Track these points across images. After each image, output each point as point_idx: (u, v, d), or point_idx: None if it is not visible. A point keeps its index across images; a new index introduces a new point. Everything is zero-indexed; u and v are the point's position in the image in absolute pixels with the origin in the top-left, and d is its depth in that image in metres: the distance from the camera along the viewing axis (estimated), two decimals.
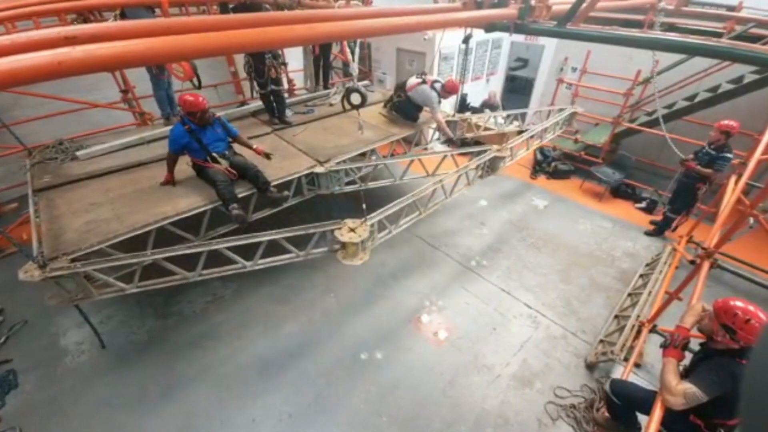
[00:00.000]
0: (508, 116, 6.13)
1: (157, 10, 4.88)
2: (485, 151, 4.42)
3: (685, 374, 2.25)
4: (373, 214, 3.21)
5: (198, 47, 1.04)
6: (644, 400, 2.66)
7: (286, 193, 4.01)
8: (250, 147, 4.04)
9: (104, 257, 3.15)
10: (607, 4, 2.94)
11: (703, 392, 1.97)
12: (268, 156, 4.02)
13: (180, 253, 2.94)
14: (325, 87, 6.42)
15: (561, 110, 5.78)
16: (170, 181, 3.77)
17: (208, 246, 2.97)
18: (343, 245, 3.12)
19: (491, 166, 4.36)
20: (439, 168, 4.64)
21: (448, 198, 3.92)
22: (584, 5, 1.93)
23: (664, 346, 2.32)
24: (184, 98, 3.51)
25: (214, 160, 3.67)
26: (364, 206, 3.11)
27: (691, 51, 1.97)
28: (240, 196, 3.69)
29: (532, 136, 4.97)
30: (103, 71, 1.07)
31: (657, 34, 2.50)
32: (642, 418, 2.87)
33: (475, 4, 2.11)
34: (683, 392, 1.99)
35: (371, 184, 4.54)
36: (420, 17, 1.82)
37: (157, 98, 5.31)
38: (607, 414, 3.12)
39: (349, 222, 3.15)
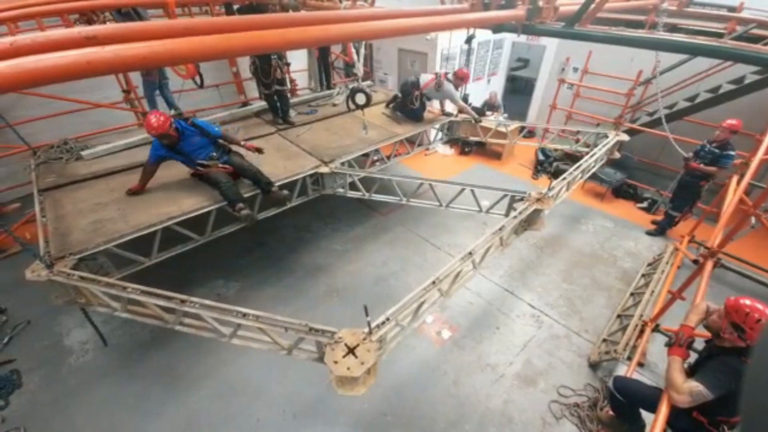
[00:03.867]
0: (521, 130, 6.14)
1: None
2: (514, 195, 3.61)
3: (690, 372, 2.26)
4: (380, 320, 2.25)
5: (222, 48, 1.05)
6: (648, 397, 2.67)
7: (285, 192, 3.91)
8: (238, 143, 3.94)
9: (103, 261, 3.14)
10: (614, 5, 2.95)
11: (709, 390, 1.98)
12: (259, 150, 3.92)
13: (157, 302, 2.54)
14: (328, 87, 6.43)
15: (599, 135, 5.12)
16: (139, 190, 3.64)
17: (182, 306, 2.48)
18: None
19: (529, 220, 3.39)
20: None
21: (476, 269, 3.06)
22: (592, 6, 1.94)
23: (669, 345, 2.34)
24: (147, 118, 3.39)
25: (205, 166, 3.61)
26: (368, 319, 2.14)
27: (700, 52, 1.98)
28: (245, 196, 3.67)
29: (573, 175, 4.00)
30: (129, 71, 1.08)
31: (665, 35, 2.52)
32: (646, 415, 2.88)
33: (482, 5, 2.12)
34: (689, 390, 2.01)
35: (376, 196, 4.29)
36: (429, 18, 1.83)
37: (147, 98, 5.34)
38: (610, 412, 3.13)
39: (347, 336, 2.14)
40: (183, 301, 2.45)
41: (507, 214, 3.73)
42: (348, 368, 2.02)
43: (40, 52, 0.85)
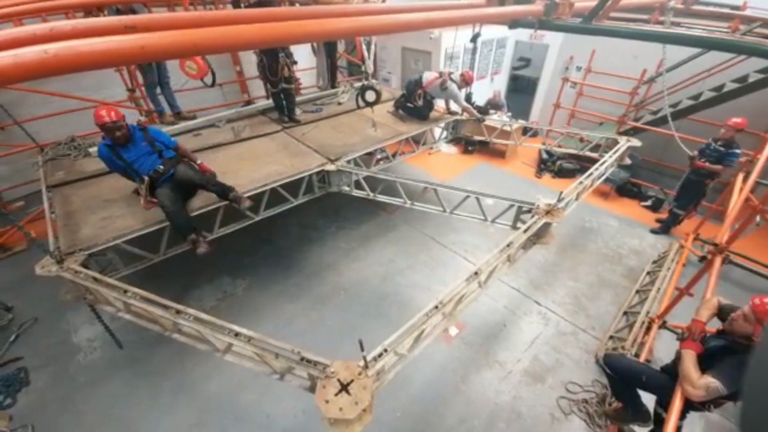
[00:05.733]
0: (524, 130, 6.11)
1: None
2: (521, 205, 3.45)
3: (700, 362, 2.26)
4: (377, 351, 2.04)
5: (265, 37, 1.06)
6: (638, 372, 2.70)
7: (248, 203, 3.39)
8: (192, 160, 3.54)
9: (112, 257, 3.15)
10: (626, 2, 2.96)
11: (725, 387, 1.99)
12: (213, 175, 3.58)
13: (154, 309, 2.45)
14: (332, 86, 6.43)
15: (608, 139, 5.04)
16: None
17: (177, 317, 2.37)
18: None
19: (538, 234, 3.20)
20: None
21: (483, 287, 2.84)
22: (609, 2, 1.96)
23: (681, 339, 2.35)
24: (96, 111, 3.03)
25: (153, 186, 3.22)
26: (363, 353, 1.94)
27: (718, 47, 2.00)
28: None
29: (583, 184, 3.77)
30: (177, 58, 1.08)
31: (684, 30, 2.54)
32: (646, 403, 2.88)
33: (498, 0, 2.13)
34: (706, 386, 2.01)
35: (380, 197, 4.20)
36: (446, 12, 1.84)
37: (149, 97, 5.34)
38: (616, 405, 3.14)
39: (340, 369, 1.93)
40: (178, 312, 2.38)
41: (514, 226, 3.63)
42: (340, 409, 1.78)
43: (81, 38, 0.86)
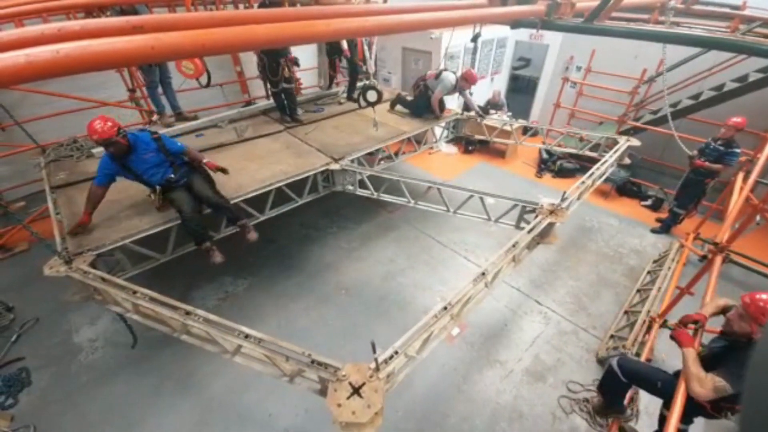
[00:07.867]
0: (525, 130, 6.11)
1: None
2: (525, 205, 3.46)
3: (705, 365, 2.27)
4: (388, 353, 2.05)
5: (274, 37, 1.08)
6: (653, 377, 2.70)
7: (255, 235, 3.51)
8: (198, 160, 3.45)
9: (120, 257, 3.16)
10: (627, 2, 2.98)
11: (732, 387, 1.99)
12: (223, 171, 3.55)
13: (162, 310, 2.46)
14: (352, 86, 6.21)
15: (608, 139, 5.10)
16: (85, 223, 3.06)
17: (186, 318, 2.37)
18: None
19: (541, 234, 3.20)
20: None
21: (489, 288, 2.84)
22: (611, 2, 1.97)
23: (677, 327, 2.34)
24: (90, 123, 2.87)
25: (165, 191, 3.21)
26: (375, 355, 1.94)
27: (720, 46, 2.01)
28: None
29: (585, 183, 3.82)
30: (186, 58, 1.09)
31: (683, 30, 2.55)
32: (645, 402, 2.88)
33: (500, 1, 2.14)
34: (713, 386, 2.01)
35: (384, 196, 4.25)
36: (448, 13, 1.85)
37: (150, 98, 5.34)
38: (602, 399, 3.15)
39: (352, 372, 1.93)
40: (188, 313, 2.38)
41: (517, 226, 3.65)
42: (353, 412, 1.77)
43: (89, 38, 0.86)
